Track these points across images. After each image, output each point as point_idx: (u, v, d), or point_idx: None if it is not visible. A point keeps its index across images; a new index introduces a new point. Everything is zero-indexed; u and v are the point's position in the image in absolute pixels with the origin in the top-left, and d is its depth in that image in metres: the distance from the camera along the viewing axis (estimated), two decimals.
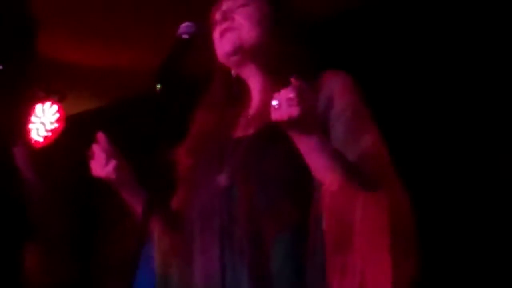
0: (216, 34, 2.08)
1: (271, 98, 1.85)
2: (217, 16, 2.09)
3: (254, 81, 2.12)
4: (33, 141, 5.16)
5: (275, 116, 1.75)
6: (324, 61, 2.07)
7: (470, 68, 3.72)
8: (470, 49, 3.73)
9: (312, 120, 1.79)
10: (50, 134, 5.20)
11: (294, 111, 1.72)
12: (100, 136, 2.09)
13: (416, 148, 3.72)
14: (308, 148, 1.82)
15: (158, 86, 1.85)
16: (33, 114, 5.17)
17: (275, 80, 1.99)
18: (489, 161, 3.63)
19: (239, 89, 2.15)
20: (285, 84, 1.85)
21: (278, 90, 1.78)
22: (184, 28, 2.00)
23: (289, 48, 2.05)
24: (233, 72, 2.14)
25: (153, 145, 2.07)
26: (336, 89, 1.98)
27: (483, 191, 3.59)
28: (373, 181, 1.84)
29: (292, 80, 1.75)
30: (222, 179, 1.99)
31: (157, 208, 2.06)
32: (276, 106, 1.74)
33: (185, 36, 1.99)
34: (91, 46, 4.70)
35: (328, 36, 3.82)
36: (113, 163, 2.06)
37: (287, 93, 1.73)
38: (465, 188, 3.63)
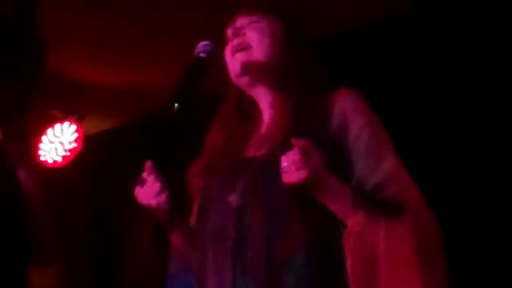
0: (227, 52, 2.06)
1: (282, 117, 1.90)
2: (229, 32, 2.07)
3: (265, 100, 2.09)
4: (52, 161, 5.18)
5: (286, 179, 1.80)
6: (335, 77, 2.05)
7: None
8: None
9: (323, 175, 1.81)
10: (68, 153, 5.20)
11: (302, 174, 1.77)
12: (150, 165, 2.07)
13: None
14: (325, 198, 1.84)
15: (176, 105, 1.84)
16: (49, 134, 5.18)
17: (286, 99, 1.99)
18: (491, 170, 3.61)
19: (251, 108, 2.13)
20: (295, 102, 1.90)
21: (288, 109, 1.84)
22: (202, 47, 2.00)
23: (300, 66, 2.04)
24: (245, 91, 2.12)
25: (171, 163, 2.06)
26: (349, 108, 1.96)
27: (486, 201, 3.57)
28: (396, 207, 1.82)
29: (293, 141, 1.78)
30: (234, 199, 1.96)
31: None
32: (286, 170, 1.79)
33: (202, 55, 1.98)
34: (110, 67, 4.70)
35: (339, 52, 3.83)
36: (166, 193, 2.05)
37: (293, 156, 1.77)
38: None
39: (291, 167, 1.77)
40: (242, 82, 2.07)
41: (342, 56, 3.86)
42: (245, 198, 1.95)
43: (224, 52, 2.08)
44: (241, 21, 2.07)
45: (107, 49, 4.48)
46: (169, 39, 4.22)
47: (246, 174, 1.98)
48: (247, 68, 2.03)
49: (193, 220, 2.14)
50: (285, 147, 1.82)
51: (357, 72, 3.70)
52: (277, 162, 1.86)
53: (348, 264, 1.81)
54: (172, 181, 2.08)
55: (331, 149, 1.89)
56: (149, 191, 2.05)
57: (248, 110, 2.13)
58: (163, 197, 2.04)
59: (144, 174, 2.06)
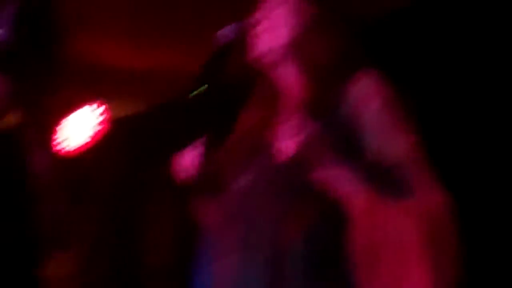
0: (253, 34, 2.03)
1: (304, 96, 1.90)
2: (256, 15, 2.04)
3: (287, 79, 2.05)
4: (78, 145, 5.20)
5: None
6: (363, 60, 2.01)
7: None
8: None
9: (320, 160, 1.81)
10: (93, 138, 5.22)
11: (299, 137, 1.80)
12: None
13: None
14: (327, 180, 1.82)
15: (202, 88, 1.82)
16: (75, 117, 5.20)
17: (310, 79, 1.98)
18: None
19: (278, 91, 2.10)
20: (321, 84, 1.89)
21: (316, 90, 1.82)
22: (227, 31, 1.97)
23: (326, 48, 2.00)
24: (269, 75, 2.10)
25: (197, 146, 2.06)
26: (370, 89, 1.93)
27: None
28: (406, 188, 1.81)
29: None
30: (243, 182, 1.97)
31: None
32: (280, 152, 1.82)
33: (227, 40, 1.96)
34: (136, 51, 4.72)
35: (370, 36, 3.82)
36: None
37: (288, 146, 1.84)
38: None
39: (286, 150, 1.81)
40: (267, 61, 2.04)
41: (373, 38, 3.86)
42: (256, 183, 1.95)
43: (250, 32, 2.05)
44: (266, 3, 2.04)
45: (135, 35, 4.50)
46: (195, 23, 4.21)
47: (260, 158, 1.99)
48: (272, 49, 2.00)
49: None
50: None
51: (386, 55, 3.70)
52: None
53: (351, 246, 1.80)
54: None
55: (346, 131, 1.88)
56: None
57: (275, 93, 2.10)
58: None
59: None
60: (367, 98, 1.92)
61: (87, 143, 5.20)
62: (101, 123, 5.23)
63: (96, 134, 5.22)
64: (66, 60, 2.08)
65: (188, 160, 2.07)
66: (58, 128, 4.84)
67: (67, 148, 5.06)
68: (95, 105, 5.23)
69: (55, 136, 4.39)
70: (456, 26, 3.84)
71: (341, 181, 1.81)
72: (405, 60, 3.71)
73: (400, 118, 1.92)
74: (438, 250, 1.77)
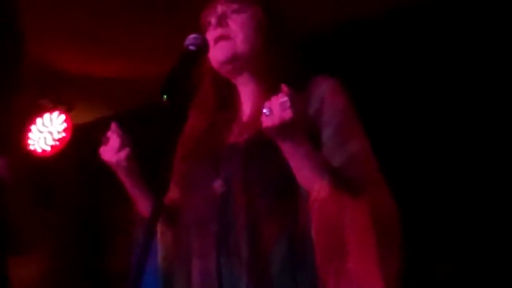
0: (209, 39, 2.02)
1: (264, 102, 1.87)
2: (212, 19, 2.06)
3: (246, 88, 2.09)
4: (41, 150, 5.15)
5: (266, 123, 1.77)
6: (317, 69, 2.05)
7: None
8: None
9: (302, 126, 1.81)
10: (57, 143, 5.18)
11: (287, 114, 1.74)
12: (114, 125, 2.11)
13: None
14: (298, 155, 1.83)
15: (165, 96, 1.80)
16: (38, 124, 5.16)
17: (268, 87, 1.98)
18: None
19: (229, 95, 2.12)
20: (277, 91, 1.86)
21: (270, 97, 1.80)
22: (191, 39, 1.96)
23: (281, 57, 2.03)
24: (222, 78, 2.11)
25: (158, 152, 2.04)
26: (326, 94, 1.98)
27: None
28: (357, 186, 1.84)
29: (283, 86, 1.77)
30: (218, 186, 1.96)
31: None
32: (268, 113, 1.77)
33: (191, 48, 1.95)
34: (98, 58, 4.68)
35: (323, 46, 3.83)
36: (126, 150, 2.07)
37: (279, 98, 1.75)
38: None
39: (275, 109, 1.75)
40: (226, 69, 2.07)
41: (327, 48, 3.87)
42: (230, 184, 1.95)
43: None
44: (223, 8, 2.06)
45: (96, 42, 4.45)
46: (157, 31, 4.19)
47: (229, 160, 1.98)
48: (231, 58, 2.03)
49: (168, 198, 2.12)
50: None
51: (342, 64, 3.70)
52: (261, 148, 1.90)
53: (313, 232, 1.82)
54: (161, 169, 2.06)
55: (307, 132, 1.89)
56: (110, 149, 2.08)
57: (226, 97, 2.12)
58: (122, 154, 2.07)
59: (108, 133, 2.10)
60: (325, 102, 1.96)
61: (50, 149, 5.17)
62: (63, 130, 5.19)
63: (58, 140, 5.18)
64: (26, 67, 2.05)
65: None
66: (21, 133, 4.80)
67: (31, 153, 5.02)
68: (56, 112, 5.19)
69: (19, 141, 4.34)
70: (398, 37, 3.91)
71: (308, 159, 1.84)
72: (357, 69, 3.76)
73: (353, 122, 1.97)
74: (385, 245, 1.81)
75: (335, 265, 1.79)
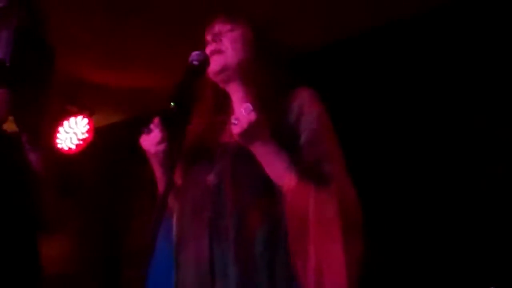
0: (207, 52, 2.06)
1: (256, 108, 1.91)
2: (208, 37, 2.09)
3: (237, 94, 2.11)
4: (67, 148, 5.15)
5: (236, 130, 1.83)
6: (301, 81, 2.07)
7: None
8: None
9: (266, 126, 1.86)
10: (81, 143, 5.18)
11: (252, 116, 1.80)
12: (157, 119, 2.09)
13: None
14: (267, 153, 1.88)
15: (172, 104, 1.82)
16: (65, 126, 5.17)
17: (254, 94, 2.04)
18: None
19: (225, 101, 2.14)
20: (261, 98, 1.96)
21: (256, 103, 1.87)
22: (195, 56, 1.98)
23: (266, 68, 2.06)
24: (219, 86, 2.14)
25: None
26: (305, 103, 2.01)
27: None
28: (325, 179, 1.87)
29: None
30: (211, 178, 1.98)
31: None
32: (236, 122, 1.82)
33: (195, 63, 1.97)
34: (117, 70, 4.67)
35: (311, 62, 3.82)
36: (164, 145, 2.06)
37: (243, 106, 1.81)
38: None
39: (242, 116, 1.81)
40: (218, 79, 2.10)
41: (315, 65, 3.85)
42: (221, 177, 1.97)
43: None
44: (219, 28, 2.10)
45: (116, 55, 4.45)
46: (169, 47, 4.19)
47: (222, 157, 2.00)
48: (222, 69, 2.06)
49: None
50: None
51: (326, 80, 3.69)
52: (247, 148, 1.91)
53: (286, 217, 1.86)
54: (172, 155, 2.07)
55: (288, 136, 1.95)
56: (152, 140, 2.06)
57: (222, 102, 2.15)
58: (161, 147, 2.05)
59: (152, 126, 2.08)
60: (304, 111, 1.99)
61: (75, 147, 5.17)
62: (86, 131, 5.19)
63: (82, 140, 5.18)
64: (55, 76, 2.07)
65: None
66: (51, 134, 4.81)
67: (59, 151, 5.03)
68: (80, 116, 5.19)
69: (48, 141, 4.35)
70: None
71: (274, 156, 1.88)
72: (331, 81, 3.72)
73: (327, 128, 2.00)
74: (350, 232, 1.84)
75: (302, 247, 1.82)
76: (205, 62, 1.99)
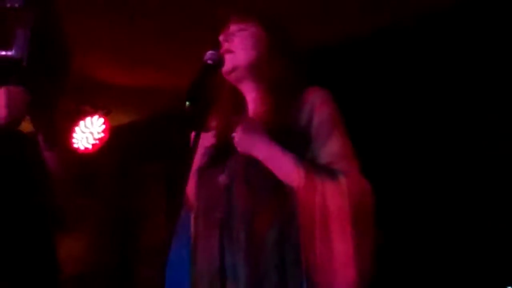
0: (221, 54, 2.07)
1: (263, 110, 1.98)
2: (221, 37, 2.10)
3: (250, 94, 2.11)
4: (83, 148, 5.18)
5: (236, 139, 1.92)
6: (314, 80, 2.07)
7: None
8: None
9: (262, 129, 1.91)
10: (97, 142, 5.21)
11: (243, 122, 1.91)
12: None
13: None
14: (271, 155, 1.90)
15: (187, 103, 1.83)
16: (81, 126, 5.20)
17: (267, 95, 2.03)
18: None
19: (241, 100, 2.14)
20: (274, 98, 1.98)
21: (268, 103, 1.96)
22: (209, 55, 1.99)
23: (278, 69, 2.05)
24: (235, 86, 2.14)
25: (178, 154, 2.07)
26: (316, 102, 2.00)
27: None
28: (334, 173, 1.87)
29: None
30: (223, 179, 1.99)
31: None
32: (235, 135, 1.90)
33: (210, 62, 1.98)
34: (132, 70, 4.70)
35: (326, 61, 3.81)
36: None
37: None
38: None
39: (238, 129, 1.87)
40: (231, 78, 2.10)
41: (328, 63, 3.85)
42: (232, 178, 1.97)
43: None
44: (232, 28, 2.10)
45: (131, 57, 4.48)
46: (183, 47, 4.20)
47: (234, 158, 2.00)
48: (234, 68, 2.06)
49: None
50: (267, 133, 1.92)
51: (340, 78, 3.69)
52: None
53: (300, 215, 1.86)
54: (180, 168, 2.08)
55: (301, 136, 1.95)
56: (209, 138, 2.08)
57: (239, 101, 2.14)
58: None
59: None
60: (315, 110, 1.98)
61: (91, 147, 5.20)
62: (102, 131, 5.22)
63: (98, 139, 5.21)
64: (71, 76, 2.08)
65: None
66: (67, 133, 4.84)
67: (75, 150, 5.05)
68: (96, 116, 5.22)
69: (64, 140, 4.38)
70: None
71: (280, 154, 1.89)
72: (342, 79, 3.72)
73: (338, 125, 1.99)
74: (361, 226, 1.84)
75: (312, 243, 1.82)
76: (219, 61, 1.99)
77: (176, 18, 3.96)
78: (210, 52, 1.99)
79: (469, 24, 3.63)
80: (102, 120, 5.21)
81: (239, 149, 1.92)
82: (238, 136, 1.90)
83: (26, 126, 2.01)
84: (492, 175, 3.47)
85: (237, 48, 2.06)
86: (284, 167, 1.89)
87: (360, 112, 3.65)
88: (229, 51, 2.05)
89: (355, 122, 2.09)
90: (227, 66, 2.05)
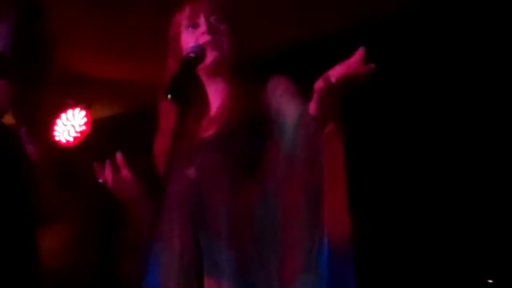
0: (192, 39, 2.07)
1: (231, 101, 2.00)
2: (203, 25, 2.07)
3: (217, 88, 2.11)
4: (65, 141, 5.16)
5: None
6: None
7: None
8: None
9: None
10: (79, 135, 5.19)
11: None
12: (120, 156, 2.18)
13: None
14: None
15: (169, 96, 1.84)
16: (62, 118, 5.17)
17: (235, 86, 2.05)
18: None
19: (199, 94, 2.13)
20: (241, 89, 2.00)
21: (237, 94, 1.97)
22: (191, 48, 2.00)
23: (246, 61, 2.08)
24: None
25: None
26: (278, 86, 2.01)
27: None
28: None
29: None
30: (191, 172, 2.00)
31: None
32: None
33: (192, 55, 1.98)
34: (113, 63, 4.69)
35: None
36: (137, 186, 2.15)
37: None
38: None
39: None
40: (208, 71, 2.09)
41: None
42: (201, 171, 1.98)
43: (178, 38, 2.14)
44: (209, 16, 2.08)
45: (112, 49, 4.47)
46: (165, 39, 4.19)
47: (199, 151, 2.01)
48: (217, 62, 2.05)
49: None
50: (229, 127, 1.96)
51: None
52: (223, 139, 1.97)
53: (325, 159, 1.81)
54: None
55: (269, 118, 1.95)
56: (124, 182, 2.17)
57: (200, 98, 2.14)
58: (135, 190, 2.14)
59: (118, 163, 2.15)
60: (277, 89, 2.01)
61: (72, 140, 5.18)
62: (83, 124, 5.20)
63: (79, 132, 5.19)
64: (54, 69, 2.08)
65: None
66: (49, 126, 4.82)
67: (56, 144, 5.04)
68: (78, 109, 5.20)
69: (46, 133, 4.35)
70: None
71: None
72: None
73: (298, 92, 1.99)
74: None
75: (332, 189, 1.81)
76: (201, 54, 2.00)
77: (159, 11, 3.95)
78: (192, 45, 2.00)
79: (453, 19, 3.66)
80: (83, 113, 5.19)
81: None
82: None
83: (7, 118, 2.01)
84: (486, 171, 3.50)
85: (222, 43, 2.06)
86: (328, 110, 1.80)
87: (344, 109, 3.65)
88: (215, 45, 2.04)
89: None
90: (210, 60, 2.04)
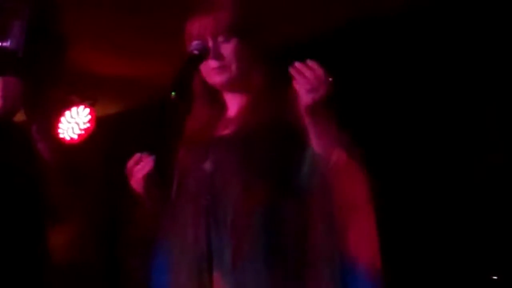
0: (206, 62, 2.06)
1: (251, 106, 2.01)
2: (212, 49, 2.05)
3: (234, 98, 2.13)
4: (69, 138, 5.18)
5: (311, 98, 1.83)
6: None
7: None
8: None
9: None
10: (83, 132, 5.21)
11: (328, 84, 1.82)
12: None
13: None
14: (324, 119, 1.86)
15: (173, 93, 1.86)
16: (66, 116, 5.19)
17: (254, 93, 2.06)
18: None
19: (218, 98, 2.15)
20: (260, 97, 2.01)
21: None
22: (195, 45, 2.02)
23: (262, 71, 2.08)
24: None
25: (167, 143, 2.10)
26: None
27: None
28: (358, 160, 1.91)
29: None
30: (208, 166, 2.02)
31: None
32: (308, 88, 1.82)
33: (195, 52, 2.00)
34: (118, 61, 4.71)
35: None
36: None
37: (316, 72, 1.82)
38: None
39: (314, 84, 1.81)
40: (221, 88, 2.12)
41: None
42: (217, 165, 2.01)
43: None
44: (216, 36, 2.06)
45: (117, 47, 4.49)
46: (169, 37, 4.21)
47: (217, 147, 2.04)
48: (229, 82, 2.07)
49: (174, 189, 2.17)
50: (247, 129, 1.97)
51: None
52: (243, 138, 1.98)
53: (334, 193, 1.88)
54: (166, 158, 2.12)
55: (296, 126, 1.94)
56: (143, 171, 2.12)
57: (216, 99, 2.16)
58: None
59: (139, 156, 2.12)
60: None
61: (76, 137, 5.20)
62: (87, 121, 5.23)
63: (84, 130, 5.22)
64: (64, 67, 2.10)
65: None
66: (55, 124, 4.84)
67: (63, 141, 5.06)
68: (82, 106, 5.23)
69: (53, 131, 4.39)
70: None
71: (330, 127, 1.88)
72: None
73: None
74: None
75: (351, 218, 1.86)
76: (205, 51, 2.02)
77: (164, 11, 3.97)
78: (195, 42, 2.02)
79: (446, 18, 3.68)
80: (88, 110, 5.21)
81: (307, 96, 1.85)
82: (329, 81, 1.83)
83: (18, 116, 2.03)
84: (490, 168, 3.52)
85: (231, 64, 2.05)
86: (330, 135, 1.88)
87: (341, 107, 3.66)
88: (223, 69, 2.05)
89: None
90: (221, 80, 2.06)
